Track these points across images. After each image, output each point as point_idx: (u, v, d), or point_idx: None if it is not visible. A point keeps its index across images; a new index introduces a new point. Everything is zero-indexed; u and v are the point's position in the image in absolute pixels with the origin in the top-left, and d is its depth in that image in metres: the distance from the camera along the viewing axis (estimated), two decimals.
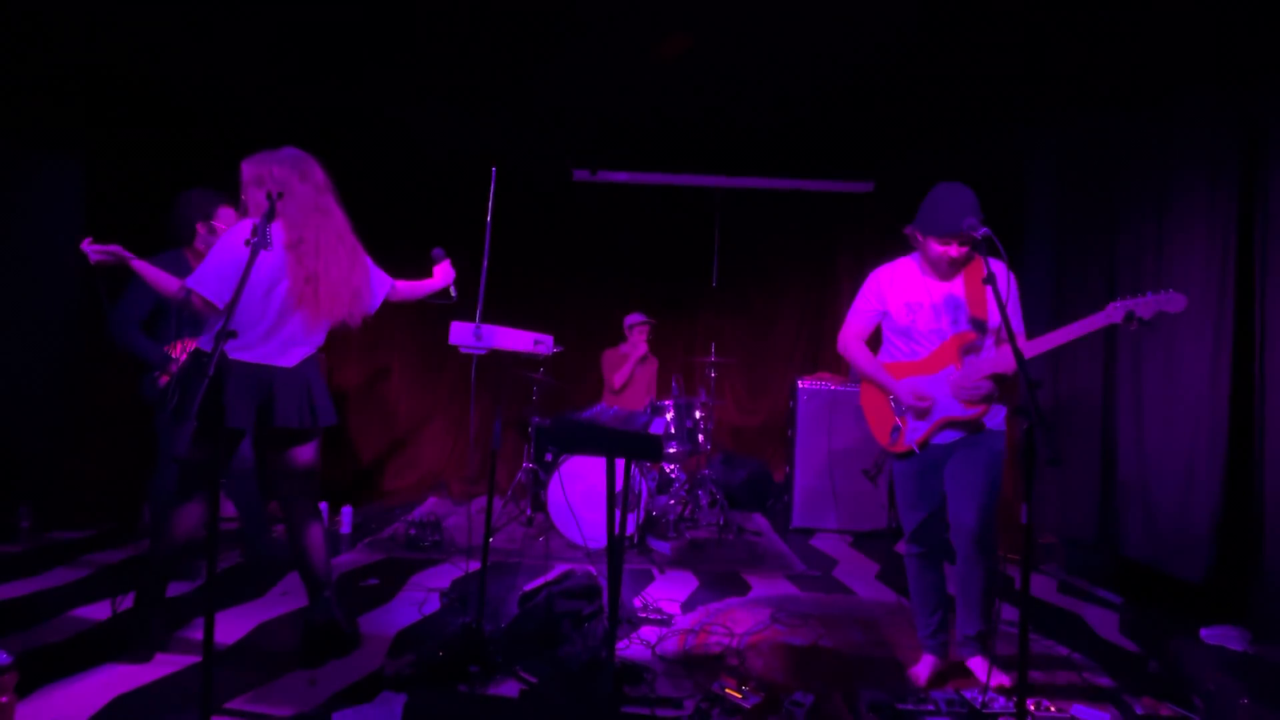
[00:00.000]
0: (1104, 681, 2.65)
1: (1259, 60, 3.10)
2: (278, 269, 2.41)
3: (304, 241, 2.41)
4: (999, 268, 2.33)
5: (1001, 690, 2.40)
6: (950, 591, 2.63)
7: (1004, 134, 4.70)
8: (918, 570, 2.63)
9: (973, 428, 2.48)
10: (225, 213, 3.21)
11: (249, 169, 2.44)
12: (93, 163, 4.57)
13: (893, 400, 2.58)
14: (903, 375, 2.55)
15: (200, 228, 3.20)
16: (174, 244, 3.27)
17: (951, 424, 2.48)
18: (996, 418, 2.50)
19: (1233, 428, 3.14)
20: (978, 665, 2.56)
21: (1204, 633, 2.60)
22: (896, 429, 2.56)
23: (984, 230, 2.14)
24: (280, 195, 2.14)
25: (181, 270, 2.83)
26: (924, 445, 2.53)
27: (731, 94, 4.47)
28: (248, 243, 1.94)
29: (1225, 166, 3.25)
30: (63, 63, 4.06)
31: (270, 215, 2.03)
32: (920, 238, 2.46)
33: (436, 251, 2.91)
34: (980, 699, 2.23)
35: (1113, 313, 2.20)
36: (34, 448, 4.31)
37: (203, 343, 2.42)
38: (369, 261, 2.66)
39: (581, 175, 5.90)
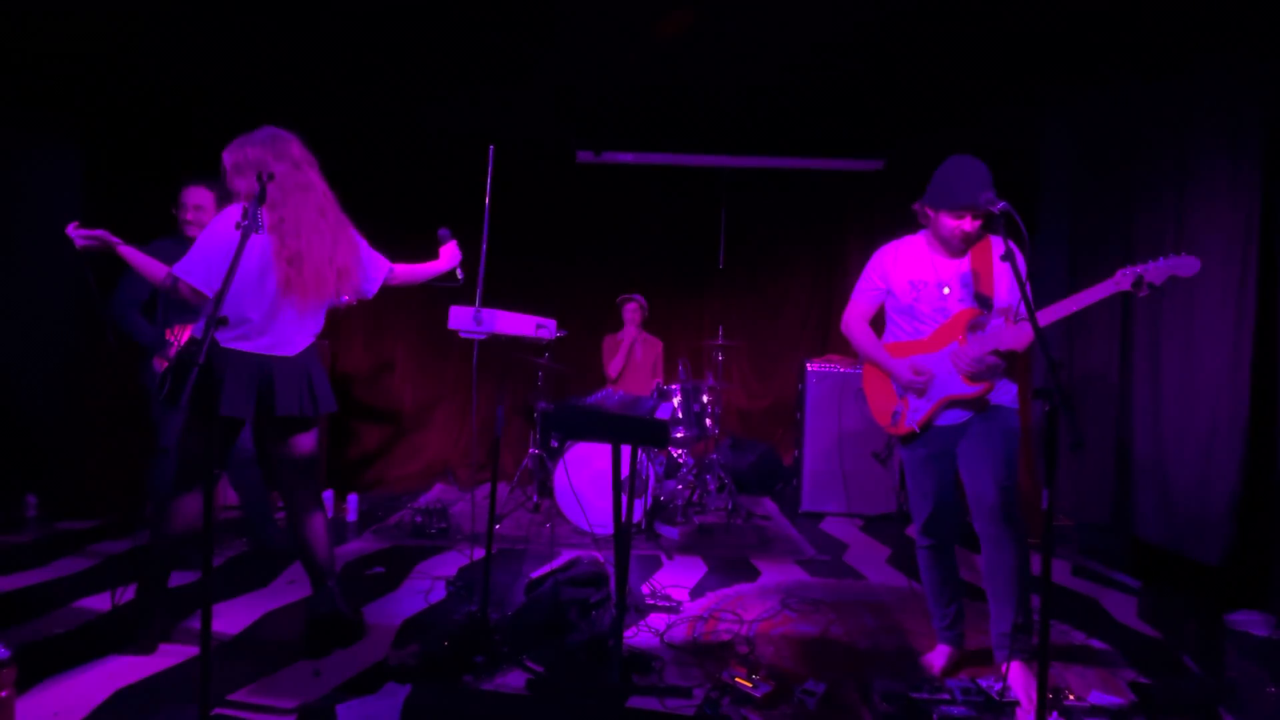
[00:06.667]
0: (1124, 668, 2.60)
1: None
2: (266, 253, 2.35)
3: (284, 221, 2.34)
4: (1014, 244, 2.25)
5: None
6: (968, 579, 2.55)
7: (1018, 108, 4.57)
8: (930, 562, 2.54)
9: (978, 406, 2.38)
10: (194, 192, 3.18)
11: (228, 156, 2.38)
12: (92, 150, 4.52)
13: (893, 380, 2.50)
14: (905, 355, 2.47)
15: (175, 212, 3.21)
16: (174, 230, 3.24)
17: (955, 403, 2.39)
18: (1007, 394, 2.40)
19: (1254, 408, 3.06)
20: (1013, 673, 2.27)
21: (1227, 618, 2.53)
22: (898, 410, 2.48)
23: (1003, 204, 2.06)
24: (271, 177, 2.07)
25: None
26: (926, 426, 2.44)
27: (738, 71, 4.36)
28: (238, 226, 1.88)
29: (1247, 138, 3.13)
30: (62, 49, 3.99)
31: (261, 198, 1.96)
32: (931, 213, 2.37)
33: (443, 232, 2.82)
34: (998, 687, 2.18)
35: (1121, 280, 2.07)
36: (40, 437, 4.30)
37: (198, 330, 2.37)
38: (361, 241, 2.59)
39: (585, 156, 5.80)
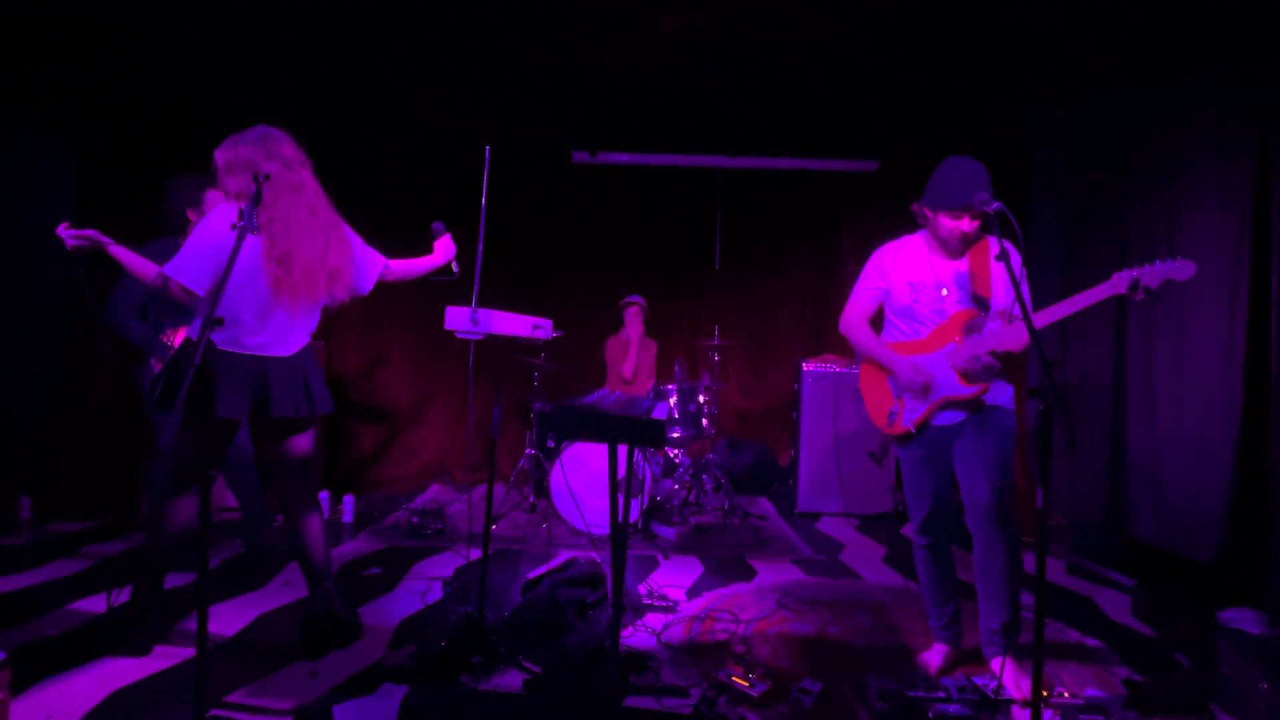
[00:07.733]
0: (1118, 665, 2.62)
1: (1273, 30, 3.00)
2: (255, 253, 2.34)
3: (274, 221, 2.33)
4: (1010, 245, 2.26)
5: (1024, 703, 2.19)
6: (963, 578, 2.56)
7: (1011, 110, 4.59)
8: (926, 561, 2.55)
9: (974, 406, 2.39)
10: (212, 196, 3.16)
11: (219, 156, 2.38)
12: (90, 151, 4.49)
13: (891, 380, 2.50)
14: (904, 355, 2.47)
15: (190, 214, 3.14)
16: (166, 232, 3.22)
17: (951, 404, 2.40)
18: (1004, 395, 2.41)
19: (1246, 406, 3.08)
20: (1002, 668, 2.28)
21: (1220, 615, 2.55)
22: (894, 410, 2.49)
23: (997, 205, 2.07)
24: (267, 177, 2.06)
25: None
26: (922, 426, 2.44)
27: (734, 72, 4.37)
28: (234, 226, 1.87)
29: (1239, 140, 3.15)
30: (58, 49, 3.97)
31: (257, 198, 1.96)
32: (929, 214, 2.38)
33: (436, 225, 2.81)
34: (993, 685, 2.19)
35: (1117, 283, 2.08)
36: (34, 438, 4.28)
37: (192, 331, 2.36)
38: (354, 239, 2.58)
39: (581, 157, 5.80)
